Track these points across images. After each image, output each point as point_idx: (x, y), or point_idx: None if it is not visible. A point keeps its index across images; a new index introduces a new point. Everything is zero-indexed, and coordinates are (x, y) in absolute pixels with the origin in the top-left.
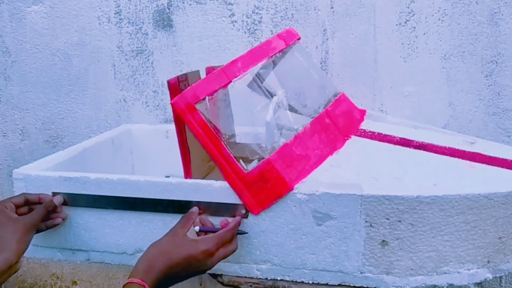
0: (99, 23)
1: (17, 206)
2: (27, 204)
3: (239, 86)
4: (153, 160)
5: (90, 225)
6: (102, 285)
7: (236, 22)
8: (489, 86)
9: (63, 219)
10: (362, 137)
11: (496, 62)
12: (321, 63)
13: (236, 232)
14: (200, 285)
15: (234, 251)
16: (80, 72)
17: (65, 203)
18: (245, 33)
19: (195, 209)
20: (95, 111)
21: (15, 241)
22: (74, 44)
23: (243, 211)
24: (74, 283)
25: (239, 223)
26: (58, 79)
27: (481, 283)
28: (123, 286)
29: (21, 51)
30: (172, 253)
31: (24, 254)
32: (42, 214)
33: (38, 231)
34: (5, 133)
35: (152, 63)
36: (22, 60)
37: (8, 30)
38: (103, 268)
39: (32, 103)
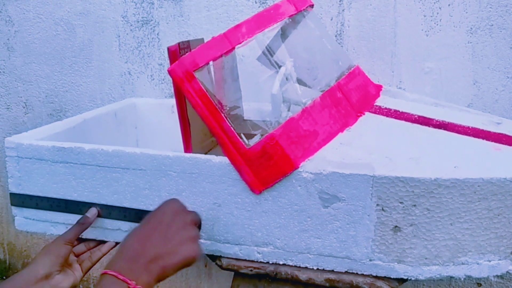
0: None
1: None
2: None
3: (248, 60)
4: (158, 136)
5: (83, 198)
6: (102, 261)
7: None
8: None
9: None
10: (377, 113)
11: None
12: (336, 36)
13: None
14: (205, 266)
15: None
16: (83, 43)
17: (99, 215)
18: (255, 2)
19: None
20: (99, 84)
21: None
22: (77, 14)
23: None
24: None
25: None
26: (62, 50)
27: (502, 276)
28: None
29: (24, 21)
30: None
31: (17, 227)
32: (76, 230)
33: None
34: (9, 105)
35: (158, 34)
36: (25, 30)
37: None
38: None
39: (36, 75)
